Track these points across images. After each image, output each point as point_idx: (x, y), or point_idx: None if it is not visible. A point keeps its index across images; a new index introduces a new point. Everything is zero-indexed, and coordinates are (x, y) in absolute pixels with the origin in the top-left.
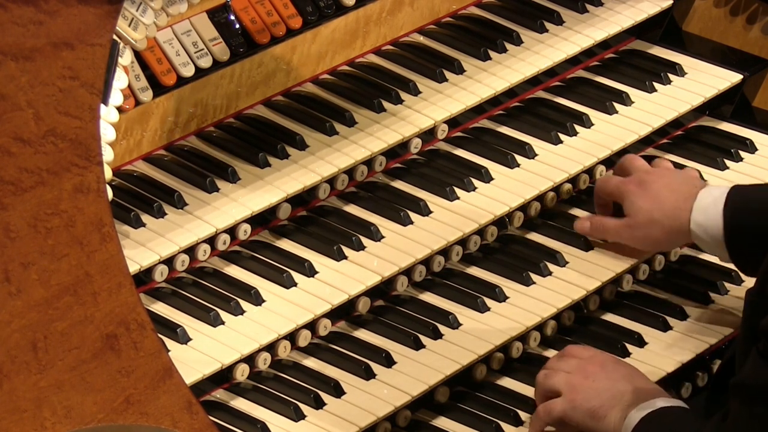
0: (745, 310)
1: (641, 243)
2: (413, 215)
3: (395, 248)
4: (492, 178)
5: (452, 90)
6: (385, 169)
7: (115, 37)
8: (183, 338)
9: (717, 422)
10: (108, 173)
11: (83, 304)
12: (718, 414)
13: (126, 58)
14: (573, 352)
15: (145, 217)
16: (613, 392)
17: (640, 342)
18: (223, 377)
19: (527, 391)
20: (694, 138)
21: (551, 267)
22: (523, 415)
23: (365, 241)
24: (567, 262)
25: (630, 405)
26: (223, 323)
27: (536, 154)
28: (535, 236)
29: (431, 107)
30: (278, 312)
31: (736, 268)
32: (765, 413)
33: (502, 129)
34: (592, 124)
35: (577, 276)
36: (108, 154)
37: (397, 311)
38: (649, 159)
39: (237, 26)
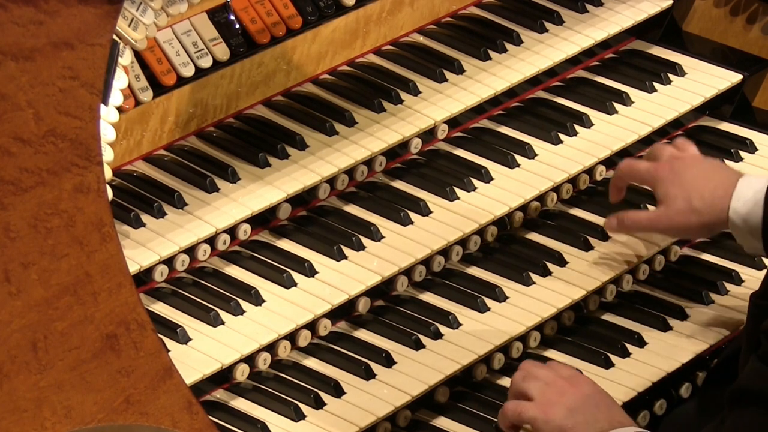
0: (748, 314)
1: (678, 231)
2: (413, 215)
3: (395, 248)
4: (492, 178)
5: (452, 90)
6: (385, 169)
7: (115, 37)
8: (183, 338)
9: (714, 428)
10: (108, 173)
11: (83, 304)
12: (714, 422)
13: (126, 58)
14: (554, 366)
15: (145, 217)
16: (587, 416)
17: (640, 342)
18: (223, 377)
19: None
20: (694, 138)
21: (551, 267)
22: None
23: (365, 241)
24: (567, 262)
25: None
26: (223, 323)
27: (536, 154)
28: (535, 236)
29: (431, 107)
30: (278, 312)
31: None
32: (763, 417)
33: (502, 129)
34: (592, 124)
35: (577, 276)
36: (108, 154)
37: (397, 311)
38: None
39: (237, 26)
